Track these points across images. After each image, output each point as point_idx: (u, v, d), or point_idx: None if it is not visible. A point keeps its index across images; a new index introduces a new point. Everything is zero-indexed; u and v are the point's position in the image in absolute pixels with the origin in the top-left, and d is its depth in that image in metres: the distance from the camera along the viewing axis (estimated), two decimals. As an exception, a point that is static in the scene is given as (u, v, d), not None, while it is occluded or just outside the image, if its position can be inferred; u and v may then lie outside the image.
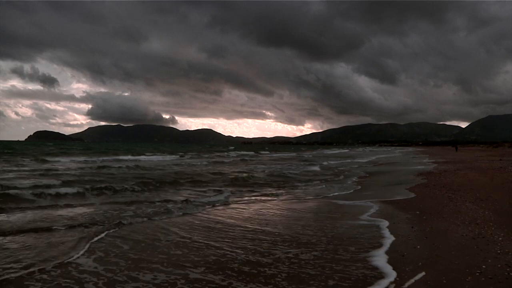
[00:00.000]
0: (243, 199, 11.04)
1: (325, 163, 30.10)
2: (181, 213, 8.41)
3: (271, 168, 23.37)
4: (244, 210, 9.05)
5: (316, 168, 23.78)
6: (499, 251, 5.04)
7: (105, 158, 33.09)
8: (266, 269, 4.74)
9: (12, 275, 4.45)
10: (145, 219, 7.70)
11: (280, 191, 12.70)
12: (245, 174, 17.81)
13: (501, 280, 4.09)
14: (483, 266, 4.50)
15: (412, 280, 4.21)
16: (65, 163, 26.02)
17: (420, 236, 6.11)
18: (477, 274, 4.29)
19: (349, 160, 36.48)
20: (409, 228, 6.65)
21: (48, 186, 11.95)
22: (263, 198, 11.25)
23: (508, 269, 4.38)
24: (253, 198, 11.22)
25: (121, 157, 34.45)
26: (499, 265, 4.52)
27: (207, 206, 9.41)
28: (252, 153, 56.94)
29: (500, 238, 5.65)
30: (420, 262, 4.77)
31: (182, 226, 7.12)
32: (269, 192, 12.44)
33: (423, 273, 4.39)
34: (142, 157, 35.74)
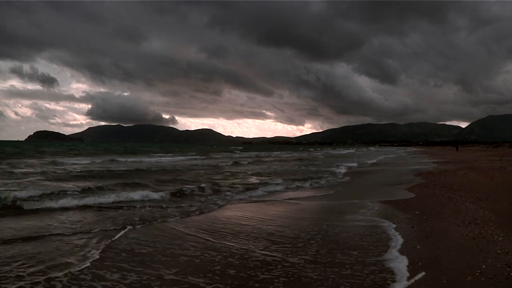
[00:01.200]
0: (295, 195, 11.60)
1: (349, 163, 29.14)
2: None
3: (298, 169, 23.44)
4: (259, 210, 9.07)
5: (340, 170, 22.63)
6: (499, 251, 5.04)
7: (128, 159, 31.28)
8: (259, 273, 4.50)
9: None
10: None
11: (319, 193, 12.57)
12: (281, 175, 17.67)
13: (501, 280, 4.10)
14: (483, 266, 4.51)
15: (412, 280, 4.22)
16: (89, 164, 24.81)
17: (420, 236, 6.11)
18: (477, 274, 4.29)
19: (367, 161, 35.59)
20: (409, 228, 6.65)
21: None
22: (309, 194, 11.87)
23: (508, 269, 4.39)
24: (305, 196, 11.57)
25: (140, 158, 33.10)
26: (499, 265, 4.53)
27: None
28: (264, 153, 57.47)
29: (500, 238, 5.66)
30: (420, 262, 4.78)
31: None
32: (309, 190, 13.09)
33: (423, 273, 4.40)
34: (163, 158, 34.72)
